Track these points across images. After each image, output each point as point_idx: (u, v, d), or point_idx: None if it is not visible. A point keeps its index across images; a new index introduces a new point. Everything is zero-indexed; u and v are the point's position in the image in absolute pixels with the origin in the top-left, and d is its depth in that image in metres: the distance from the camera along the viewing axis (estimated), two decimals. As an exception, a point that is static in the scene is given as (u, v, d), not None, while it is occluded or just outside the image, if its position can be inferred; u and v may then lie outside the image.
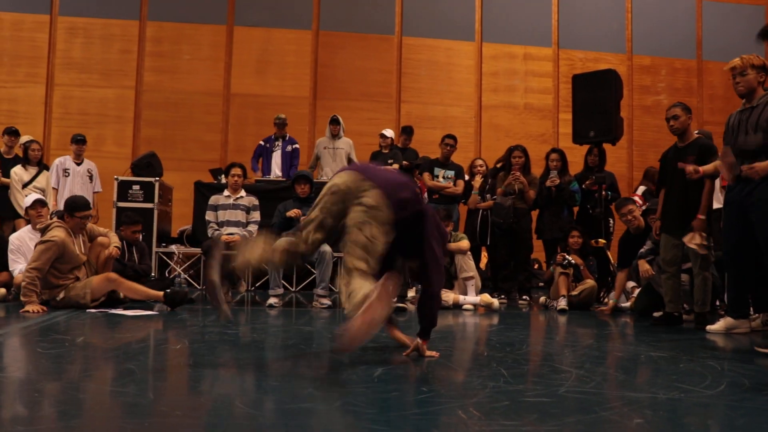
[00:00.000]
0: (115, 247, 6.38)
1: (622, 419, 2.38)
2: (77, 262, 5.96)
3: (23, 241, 6.52)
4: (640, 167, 11.88)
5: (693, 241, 5.41)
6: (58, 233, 5.83)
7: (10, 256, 6.54)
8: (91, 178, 8.63)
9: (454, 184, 8.37)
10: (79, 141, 8.56)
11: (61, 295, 5.84)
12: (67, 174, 8.42)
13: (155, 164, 8.77)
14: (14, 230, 8.22)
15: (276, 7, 11.89)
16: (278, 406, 2.48)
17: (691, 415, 2.49)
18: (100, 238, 6.34)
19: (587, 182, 7.71)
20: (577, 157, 8.30)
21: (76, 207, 6.04)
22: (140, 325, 4.95)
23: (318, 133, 11.34)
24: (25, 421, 2.25)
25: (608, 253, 7.60)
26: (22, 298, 5.65)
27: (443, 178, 8.39)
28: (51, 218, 7.48)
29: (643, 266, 6.24)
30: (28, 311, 5.45)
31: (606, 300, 7.11)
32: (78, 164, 8.54)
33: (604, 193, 7.56)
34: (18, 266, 6.38)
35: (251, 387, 2.88)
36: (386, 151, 9.28)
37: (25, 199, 7.18)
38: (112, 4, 11.61)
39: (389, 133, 9.37)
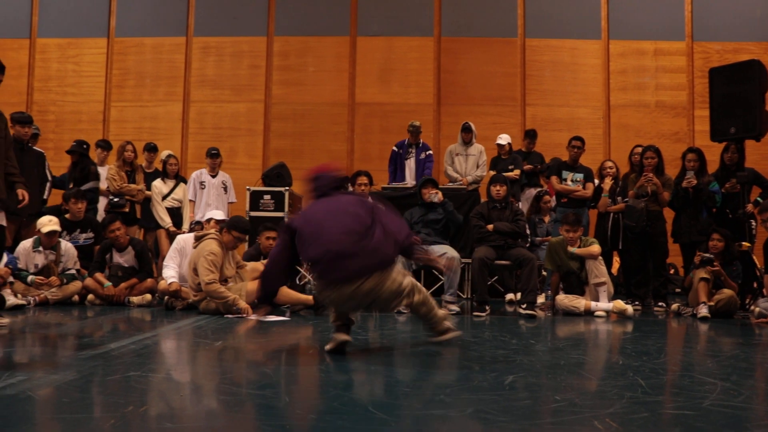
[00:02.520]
0: None
1: (776, 435, 2.23)
2: (224, 276, 6.23)
3: (188, 243, 6.87)
4: (791, 164, 11.16)
5: None
6: (213, 246, 6.14)
7: (170, 254, 6.92)
8: (225, 189, 8.99)
9: (583, 187, 8.16)
10: (213, 155, 8.95)
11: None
12: (203, 186, 8.82)
13: (285, 174, 9.05)
14: (156, 241, 8.71)
15: (397, 16, 12.00)
16: (410, 412, 2.49)
17: None
18: (251, 264, 6.64)
19: (728, 185, 7.27)
20: (715, 155, 7.86)
21: (235, 226, 6.38)
22: (274, 330, 5.11)
23: (443, 140, 11.34)
24: (171, 419, 2.38)
25: (753, 257, 7.16)
26: (229, 303, 5.95)
27: (571, 181, 8.20)
28: (192, 227, 7.91)
29: None
30: (243, 313, 5.86)
31: (753, 308, 6.70)
32: (213, 176, 8.93)
33: (755, 202, 7.15)
34: (168, 272, 6.73)
35: (383, 392, 2.91)
36: (505, 157, 9.16)
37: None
38: (241, 22, 12.10)
39: (504, 140, 9.24)
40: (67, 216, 7.53)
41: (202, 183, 8.83)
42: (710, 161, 7.76)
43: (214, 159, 8.93)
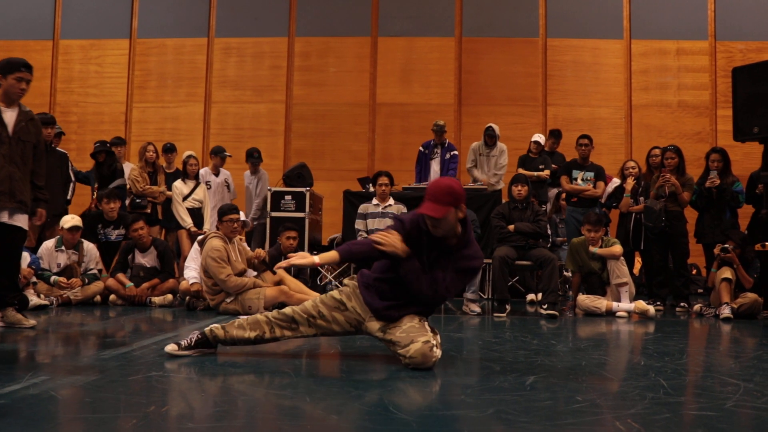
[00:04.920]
0: (261, 250, 6.75)
1: (802, 438, 2.20)
2: (236, 270, 6.27)
3: None
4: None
5: None
6: (215, 243, 6.20)
7: (191, 254, 6.97)
8: (228, 187, 9.12)
9: (594, 186, 8.10)
10: (217, 153, 9.22)
11: (230, 299, 6.17)
12: (209, 186, 8.96)
13: (306, 175, 9.08)
14: (177, 241, 8.76)
15: (418, 16, 12.00)
16: (431, 412, 2.49)
17: None
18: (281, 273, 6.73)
19: (760, 186, 7.16)
20: (738, 155, 7.78)
21: (222, 212, 6.47)
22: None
23: (464, 140, 11.31)
24: (193, 419, 2.39)
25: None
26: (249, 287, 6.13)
27: (582, 180, 8.14)
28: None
29: None
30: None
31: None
32: (215, 175, 9.09)
33: None
34: (189, 272, 6.78)
35: (403, 393, 2.90)
36: (535, 156, 9.15)
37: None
38: (262, 23, 12.16)
39: (540, 138, 9.21)
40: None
41: (207, 183, 8.96)
42: (734, 161, 7.68)
43: (218, 156, 9.17)
